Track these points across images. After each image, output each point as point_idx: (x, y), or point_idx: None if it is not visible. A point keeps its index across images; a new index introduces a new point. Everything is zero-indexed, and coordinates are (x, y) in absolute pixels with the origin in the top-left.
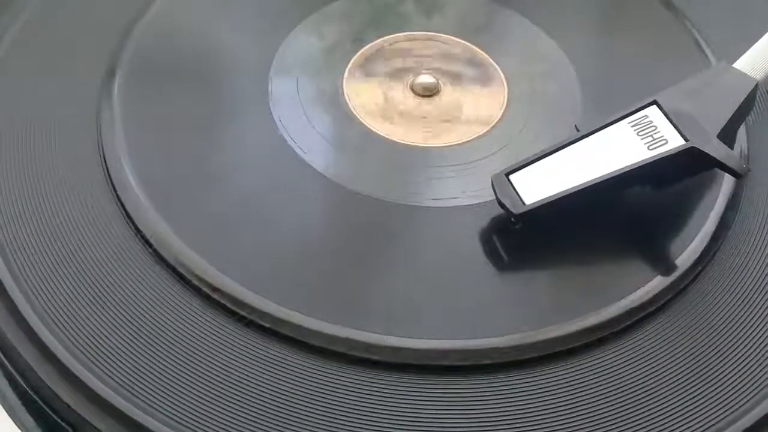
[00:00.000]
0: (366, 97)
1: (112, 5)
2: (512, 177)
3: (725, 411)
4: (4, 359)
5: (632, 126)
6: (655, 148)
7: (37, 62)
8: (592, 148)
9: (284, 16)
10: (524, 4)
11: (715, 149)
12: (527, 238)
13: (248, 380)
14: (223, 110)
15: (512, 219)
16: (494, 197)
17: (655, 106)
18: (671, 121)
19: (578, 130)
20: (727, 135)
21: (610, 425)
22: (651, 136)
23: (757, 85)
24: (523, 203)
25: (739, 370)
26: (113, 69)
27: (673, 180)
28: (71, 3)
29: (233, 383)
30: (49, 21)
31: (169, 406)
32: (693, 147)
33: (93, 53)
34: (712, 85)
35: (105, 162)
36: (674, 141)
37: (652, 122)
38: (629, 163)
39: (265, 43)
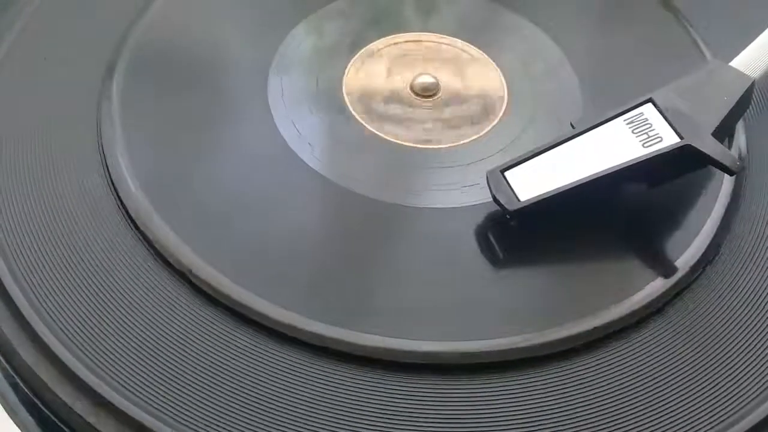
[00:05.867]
0: (365, 96)
1: (112, 5)
2: (507, 173)
3: (726, 412)
4: (4, 361)
5: (627, 123)
6: (650, 145)
7: (37, 62)
8: (588, 145)
9: (284, 16)
10: (524, 4)
11: (710, 147)
12: (527, 239)
13: (248, 380)
14: (223, 110)
15: (507, 215)
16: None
17: (650, 104)
18: (666, 119)
19: (574, 128)
20: (723, 133)
21: (610, 426)
22: (646, 133)
23: (753, 83)
24: (518, 200)
25: (740, 371)
26: (113, 69)
27: (668, 178)
28: (71, 3)
29: (233, 383)
30: (49, 21)
31: (169, 406)
32: (688, 144)
33: (93, 53)
34: (708, 83)
35: (105, 162)
36: (669, 138)
37: (647, 120)
38: (624, 161)
39: (265, 43)
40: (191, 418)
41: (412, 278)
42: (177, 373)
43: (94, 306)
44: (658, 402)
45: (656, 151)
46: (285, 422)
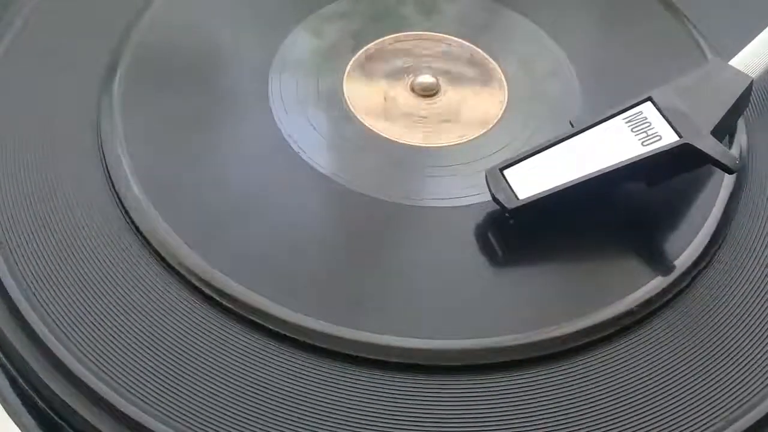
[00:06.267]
0: (366, 96)
1: (112, 5)
2: (506, 172)
3: (725, 410)
4: (4, 360)
5: (627, 122)
6: (649, 144)
7: (37, 62)
8: (587, 143)
9: (284, 16)
10: (524, 4)
11: (709, 145)
12: (527, 238)
13: (248, 380)
14: (223, 110)
15: (506, 214)
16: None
17: (649, 103)
18: (665, 118)
19: (573, 126)
20: (722, 132)
21: (609, 425)
22: (645, 132)
23: (752, 82)
24: (517, 198)
25: (739, 370)
26: (113, 68)
27: (667, 176)
28: (71, 3)
29: (233, 383)
30: (49, 21)
31: (168, 406)
32: (687, 143)
33: (93, 53)
34: (707, 82)
35: (105, 162)
36: (668, 137)
37: (646, 118)
38: (623, 159)
39: (265, 43)
40: (191, 418)
41: (412, 277)
42: (177, 372)
43: (93, 306)
44: (658, 400)
45: (655, 149)
46: (284, 422)
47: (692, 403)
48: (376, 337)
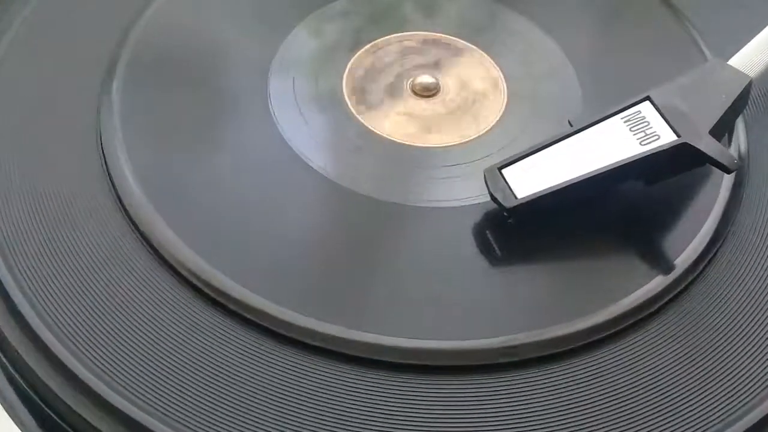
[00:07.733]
0: (366, 97)
1: (112, 5)
2: (505, 171)
3: (725, 411)
4: (4, 359)
5: (625, 121)
6: (647, 143)
7: (37, 62)
8: (585, 143)
9: (284, 16)
10: (524, 4)
11: (707, 145)
12: (526, 238)
13: (248, 380)
14: (223, 110)
15: (505, 213)
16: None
17: (648, 102)
18: (663, 117)
19: (571, 125)
20: (721, 131)
21: (609, 425)
22: (643, 131)
23: (751, 81)
24: (515, 197)
25: (739, 371)
26: (113, 69)
27: (665, 176)
28: (71, 3)
29: (233, 383)
30: (49, 21)
31: (168, 406)
32: (685, 143)
33: (93, 53)
34: (705, 82)
35: (105, 162)
36: (666, 136)
37: (644, 118)
38: (621, 159)
39: (265, 43)
40: (191, 418)
41: (412, 277)
42: (177, 372)
43: (93, 306)
44: (658, 400)
45: (653, 149)
46: (284, 422)
47: (692, 403)
48: (377, 337)
